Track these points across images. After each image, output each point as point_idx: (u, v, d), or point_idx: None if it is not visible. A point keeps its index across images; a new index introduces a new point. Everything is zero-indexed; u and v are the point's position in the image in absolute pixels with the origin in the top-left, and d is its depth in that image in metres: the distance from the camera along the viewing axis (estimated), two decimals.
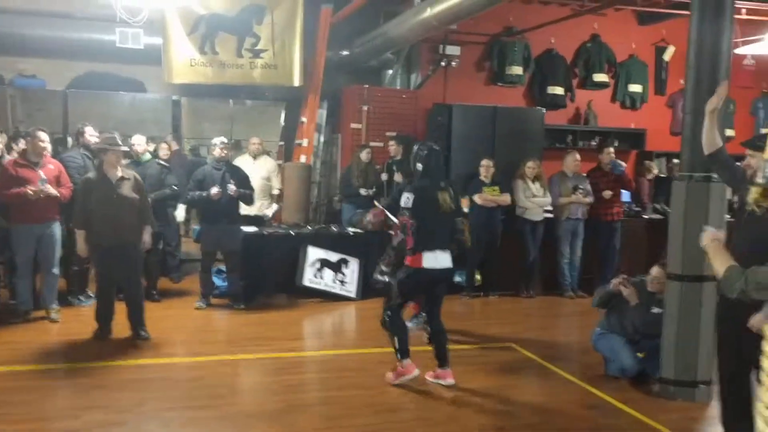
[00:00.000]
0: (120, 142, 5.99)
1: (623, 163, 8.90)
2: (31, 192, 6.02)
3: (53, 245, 6.38)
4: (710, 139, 3.93)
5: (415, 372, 4.98)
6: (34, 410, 4.37)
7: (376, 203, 6.89)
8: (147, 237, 6.04)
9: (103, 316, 5.96)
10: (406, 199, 4.88)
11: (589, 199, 8.23)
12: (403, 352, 4.97)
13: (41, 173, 6.15)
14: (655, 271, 5.16)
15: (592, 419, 4.59)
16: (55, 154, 7.07)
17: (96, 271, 6.11)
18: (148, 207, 6.11)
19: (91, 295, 7.18)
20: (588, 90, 10.64)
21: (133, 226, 5.90)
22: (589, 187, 8.30)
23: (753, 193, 2.12)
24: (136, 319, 5.99)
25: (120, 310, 6.01)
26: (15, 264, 6.48)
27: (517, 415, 4.62)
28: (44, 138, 6.26)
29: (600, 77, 10.55)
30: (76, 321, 6.49)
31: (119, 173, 5.85)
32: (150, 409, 4.43)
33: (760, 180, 1.97)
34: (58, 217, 6.43)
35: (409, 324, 6.44)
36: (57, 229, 6.43)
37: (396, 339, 4.96)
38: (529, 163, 8.22)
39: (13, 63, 9.24)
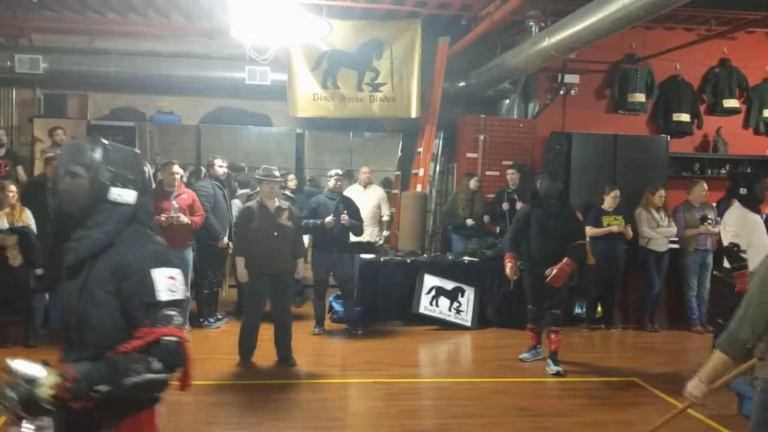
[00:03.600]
0: (277, 174, 6.23)
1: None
2: (163, 219, 6.43)
3: (185, 270, 6.73)
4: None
5: None
6: (165, 424, 4.51)
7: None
8: (301, 268, 6.25)
9: (247, 344, 6.03)
10: None
11: (718, 229, 7.81)
12: None
13: (174, 203, 6.58)
14: None
15: None
16: (189, 185, 7.55)
17: (247, 297, 6.24)
18: (301, 238, 6.27)
19: (220, 317, 7.57)
20: (717, 116, 10.19)
21: (288, 255, 6.05)
22: (717, 216, 7.89)
23: None
24: (284, 345, 6.12)
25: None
26: None
27: None
28: (176, 170, 6.70)
29: (730, 103, 10.09)
30: (205, 342, 6.86)
31: (276, 203, 6.08)
32: (270, 428, 4.58)
33: None
34: (190, 243, 6.84)
35: (525, 355, 6.35)
36: (189, 254, 6.83)
37: None
38: (660, 192, 7.91)
39: (153, 101, 10.01)
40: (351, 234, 7.37)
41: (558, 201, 6.04)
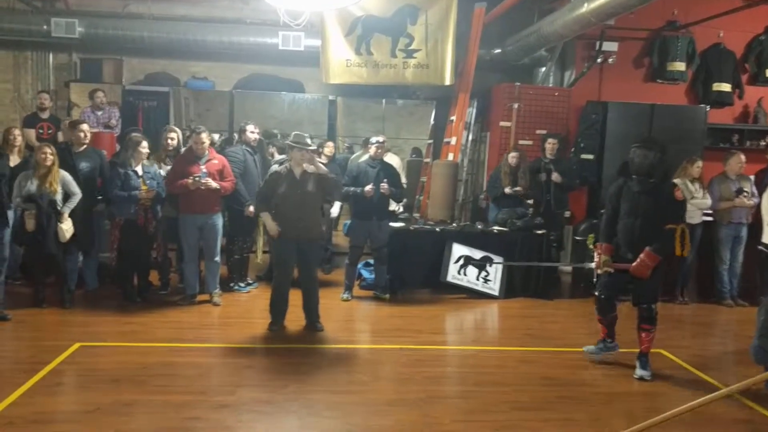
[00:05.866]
0: (309, 141, 6.16)
1: None
2: (189, 182, 6.51)
3: (215, 235, 6.86)
4: None
5: None
6: (195, 384, 4.76)
7: None
8: (335, 209, 6.14)
9: (278, 307, 6.13)
10: None
11: (754, 202, 7.65)
12: None
13: (202, 168, 6.64)
14: None
15: None
16: (221, 150, 7.62)
17: (275, 262, 6.33)
18: (333, 186, 6.17)
19: (251, 282, 7.69)
20: (760, 87, 9.90)
21: (314, 222, 6.06)
22: (754, 189, 7.73)
23: None
24: (311, 310, 6.20)
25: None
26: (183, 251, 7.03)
27: (664, 423, 4.42)
28: (203, 138, 6.72)
29: None
30: (235, 305, 7.00)
31: (303, 169, 6.02)
32: (295, 391, 4.66)
33: None
34: (219, 208, 6.90)
35: (589, 348, 5.73)
36: (219, 220, 6.89)
37: None
38: (698, 163, 7.75)
39: (188, 66, 10.10)
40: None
41: (652, 176, 5.12)
